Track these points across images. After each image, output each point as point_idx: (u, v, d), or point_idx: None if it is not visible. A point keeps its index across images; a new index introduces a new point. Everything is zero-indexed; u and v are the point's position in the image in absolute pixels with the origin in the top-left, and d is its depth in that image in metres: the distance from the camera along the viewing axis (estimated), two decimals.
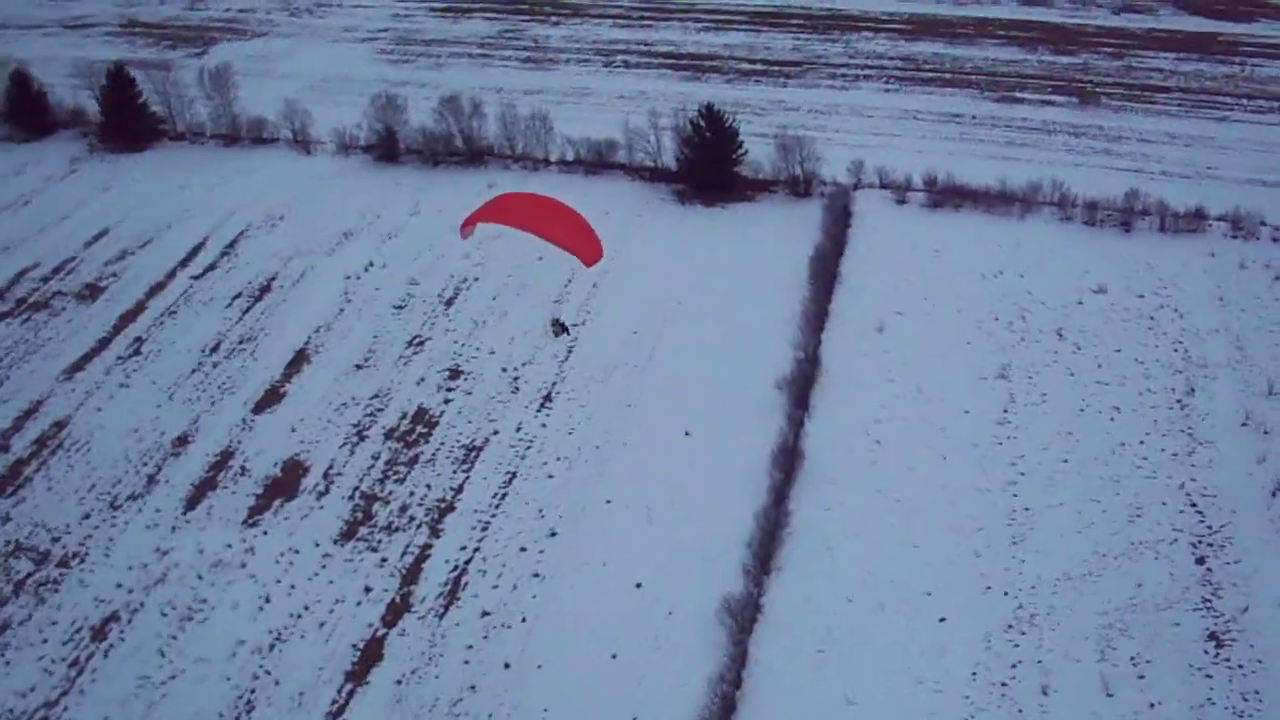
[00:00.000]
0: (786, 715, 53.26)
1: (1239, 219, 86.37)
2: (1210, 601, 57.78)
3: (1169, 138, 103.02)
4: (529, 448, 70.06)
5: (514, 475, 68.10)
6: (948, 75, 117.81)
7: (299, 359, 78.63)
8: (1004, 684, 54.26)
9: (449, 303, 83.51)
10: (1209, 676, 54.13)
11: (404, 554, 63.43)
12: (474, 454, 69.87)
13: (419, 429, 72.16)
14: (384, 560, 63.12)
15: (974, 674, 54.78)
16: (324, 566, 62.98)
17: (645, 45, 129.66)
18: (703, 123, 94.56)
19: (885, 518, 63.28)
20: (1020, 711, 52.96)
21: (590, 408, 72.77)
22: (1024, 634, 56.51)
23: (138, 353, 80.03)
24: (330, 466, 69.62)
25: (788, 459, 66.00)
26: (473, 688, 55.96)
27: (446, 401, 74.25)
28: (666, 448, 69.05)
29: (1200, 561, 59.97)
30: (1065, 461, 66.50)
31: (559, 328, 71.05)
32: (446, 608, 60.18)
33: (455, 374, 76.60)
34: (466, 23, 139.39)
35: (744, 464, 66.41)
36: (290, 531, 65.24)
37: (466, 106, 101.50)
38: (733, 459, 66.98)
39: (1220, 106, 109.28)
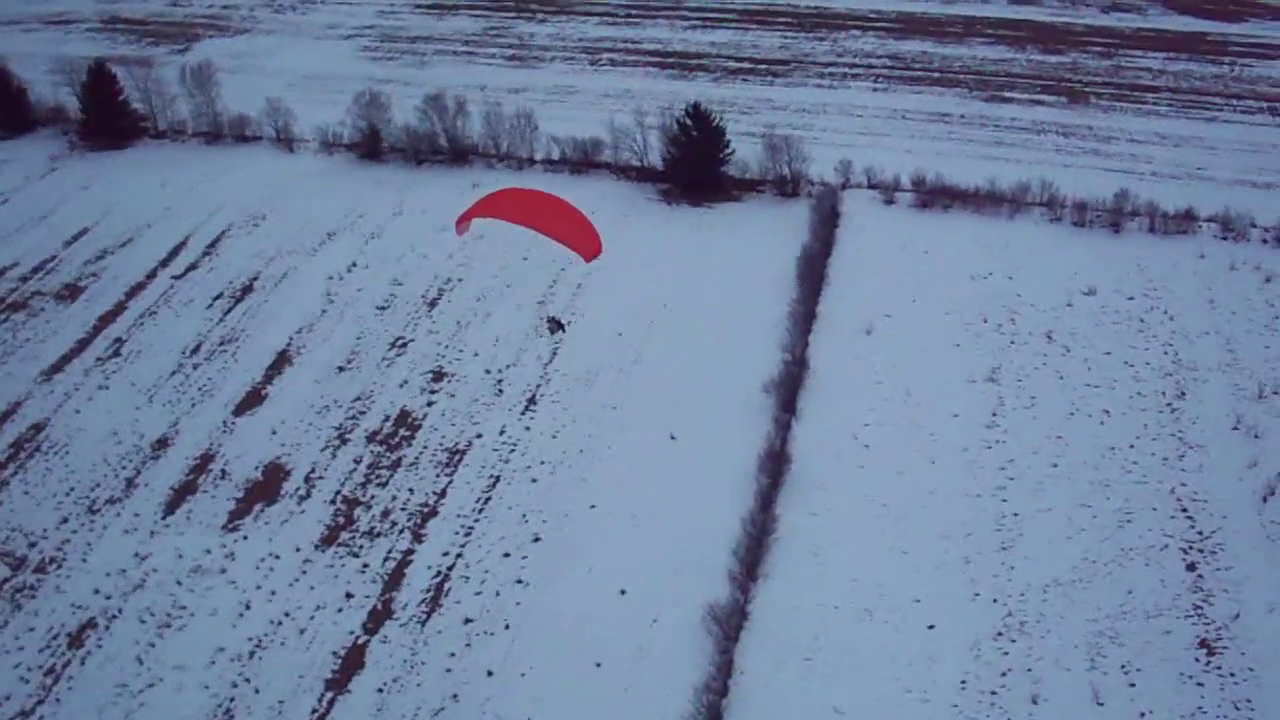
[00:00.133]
0: None
1: (1229, 220, 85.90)
2: (1201, 608, 57.23)
3: (1158, 138, 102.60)
4: (513, 451, 69.28)
5: (497, 479, 67.32)
6: (936, 74, 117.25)
7: (280, 360, 77.72)
8: (993, 693, 53.67)
9: (432, 304, 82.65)
10: (1200, 685, 53.60)
11: (386, 559, 62.63)
12: (457, 458, 69.06)
13: (401, 432, 71.33)
14: (366, 566, 62.30)
15: (963, 682, 54.16)
16: (305, 572, 62.16)
17: (631, 43, 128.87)
18: (689, 122, 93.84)
19: (873, 523, 62.63)
20: None
21: (574, 411, 72.01)
22: (1014, 642, 55.90)
23: (117, 354, 79.04)
24: (312, 470, 68.77)
25: (775, 463, 65.29)
26: (455, 696, 55.19)
27: (429, 404, 73.42)
28: (652, 452, 68.35)
29: (1191, 568, 59.42)
30: (1055, 466, 65.91)
31: (554, 324, 70.16)
32: (429, 614, 59.39)
33: (438, 376, 75.75)
34: (451, 20, 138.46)
35: (730, 468, 65.69)
36: (271, 536, 64.39)
37: (451, 105, 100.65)
38: (719, 463, 66.26)
39: (1209, 107, 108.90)
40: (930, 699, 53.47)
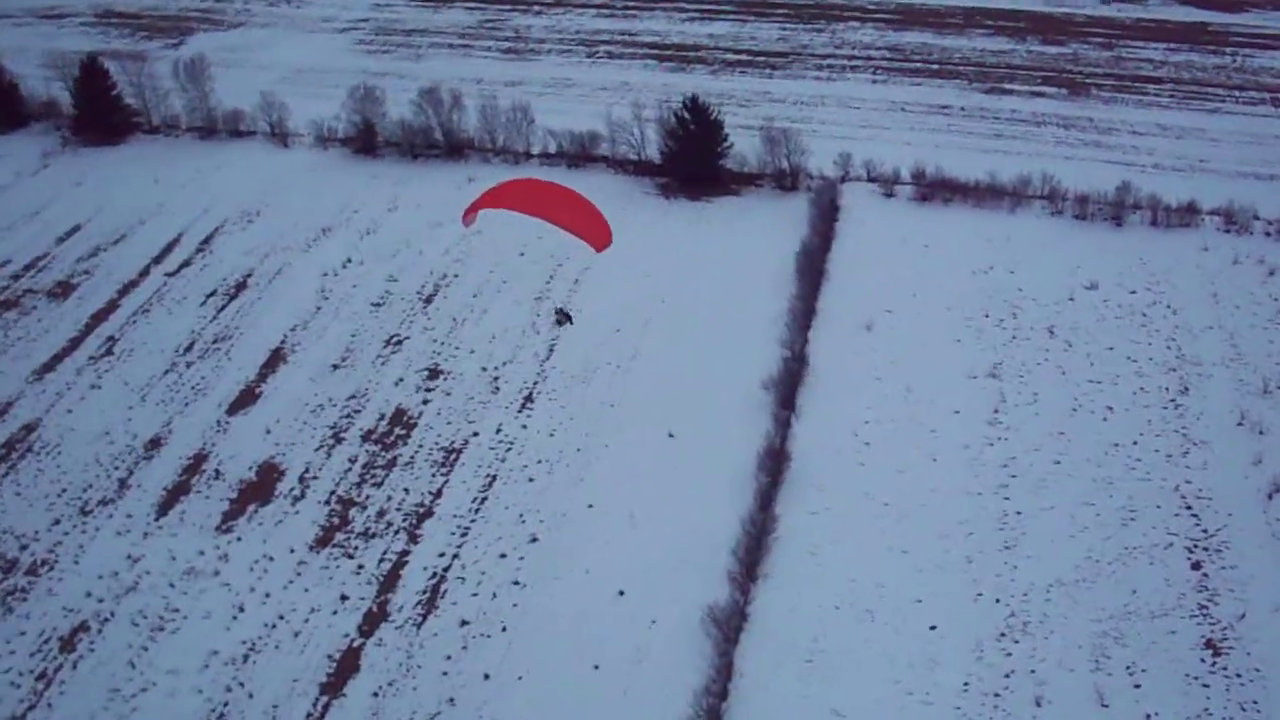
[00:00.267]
0: None
1: (1232, 213, 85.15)
2: (1206, 608, 56.58)
3: (1160, 129, 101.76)
4: (509, 450, 68.54)
5: (494, 479, 66.58)
6: (935, 66, 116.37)
7: (274, 359, 76.94)
8: (996, 695, 53.01)
9: (428, 300, 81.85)
10: (1206, 686, 53.00)
11: (381, 561, 61.91)
12: (453, 457, 68.32)
13: (397, 431, 70.58)
14: (360, 567, 61.57)
15: (965, 684, 53.49)
16: (299, 574, 61.45)
17: (629, 35, 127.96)
18: (687, 114, 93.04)
19: (874, 522, 61.94)
20: None
21: (572, 408, 71.29)
22: (1017, 643, 55.24)
23: (110, 353, 78.24)
24: (306, 470, 68.03)
25: (774, 462, 64.59)
26: (451, 700, 54.50)
27: (425, 402, 72.66)
28: (650, 450, 67.61)
29: (1196, 566, 58.74)
30: (1057, 463, 65.20)
31: (562, 316, 69.37)
32: (425, 617, 58.69)
33: (434, 374, 74.98)
34: (447, 12, 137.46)
35: (729, 467, 65.02)
36: (264, 538, 63.67)
37: (446, 98, 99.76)
38: (718, 462, 65.57)
39: (1212, 98, 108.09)
40: (932, 701, 52.81)
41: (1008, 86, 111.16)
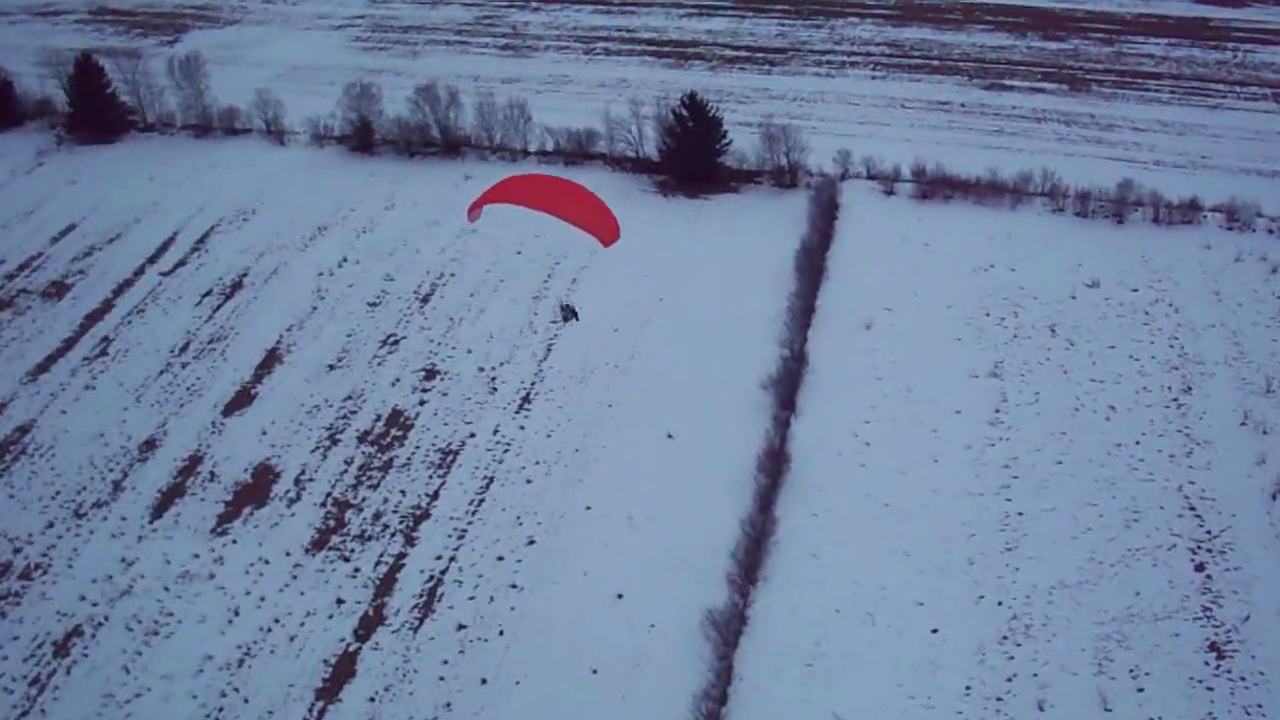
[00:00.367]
0: None
1: (1234, 210, 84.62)
2: (1210, 610, 56.07)
3: (1161, 126, 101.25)
4: (507, 451, 67.97)
5: (491, 480, 66.02)
6: (935, 62, 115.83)
7: (270, 359, 76.36)
8: (999, 699, 52.51)
9: (425, 300, 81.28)
10: (1210, 689, 52.49)
11: (377, 564, 61.34)
12: (450, 458, 67.76)
13: (393, 432, 70.01)
14: (357, 570, 61.01)
15: (968, 688, 52.97)
16: (295, 577, 60.88)
17: (626, 31, 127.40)
18: (685, 112, 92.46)
19: (875, 524, 61.39)
20: None
21: (569, 409, 70.72)
22: (1019, 646, 54.72)
23: (104, 353, 77.66)
24: (302, 472, 67.47)
25: (774, 463, 64.02)
26: (448, 705, 53.96)
27: (422, 403, 72.09)
28: (648, 451, 67.04)
29: (1200, 568, 58.22)
30: (1059, 463, 64.67)
31: (568, 312, 68.58)
32: (421, 620, 58.13)
33: (431, 374, 74.41)
34: (444, 9, 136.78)
35: (729, 468, 64.48)
36: (260, 540, 63.10)
37: (443, 96, 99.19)
38: (717, 463, 65.02)
39: (1213, 94, 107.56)
40: (934, 705, 52.31)
41: (1008, 82, 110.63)
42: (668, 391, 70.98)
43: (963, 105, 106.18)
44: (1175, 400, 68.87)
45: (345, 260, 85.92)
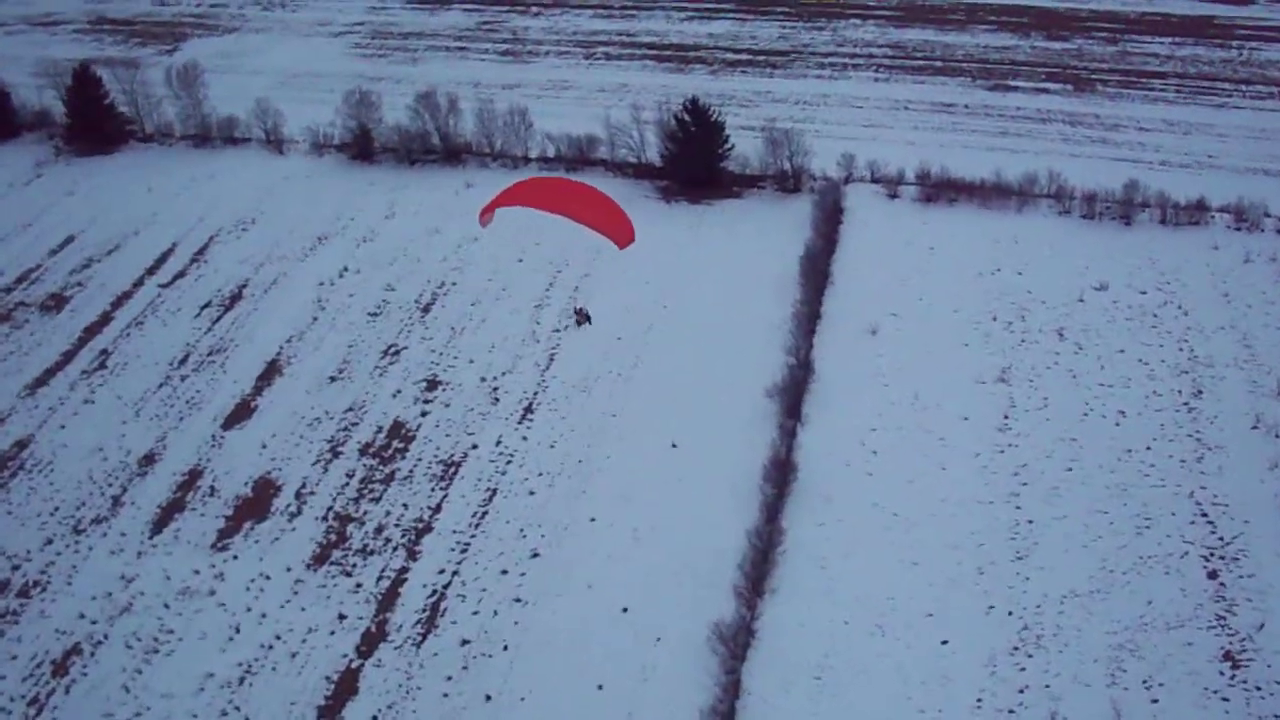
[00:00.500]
0: None
1: (1242, 210, 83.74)
2: (1224, 619, 55.21)
3: (1167, 125, 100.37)
4: (509, 463, 67.24)
5: (494, 492, 65.29)
6: (939, 63, 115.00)
7: (270, 371, 75.68)
8: (1010, 711, 51.74)
9: (426, 309, 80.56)
10: (1225, 700, 51.64)
11: (380, 578, 60.64)
12: (452, 470, 67.03)
13: (395, 444, 69.29)
14: (359, 585, 60.30)
15: (979, 701, 52.19)
16: (296, 593, 60.19)
17: (627, 36, 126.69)
18: (687, 116, 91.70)
19: (883, 534, 60.58)
20: None
21: (572, 419, 69.96)
22: (1030, 657, 53.89)
23: (103, 366, 77.03)
24: (303, 485, 66.78)
25: (780, 472, 63.22)
26: None
27: (424, 414, 71.36)
28: (653, 461, 66.25)
29: (1213, 575, 57.36)
30: (1069, 470, 63.85)
31: (581, 316, 67.89)
32: (424, 636, 57.41)
33: (433, 385, 73.69)
34: (444, 15, 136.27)
35: (734, 478, 63.67)
36: (261, 556, 62.42)
37: (443, 103, 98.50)
38: (722, 472, 64.25)
39: (1218, 92, 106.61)
40: (945, 718, 51.49)
41: (1012, 83, 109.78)
42: (672, 400, 70.24)
43: (966, 107, 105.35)
44: (1186, 404, 68.04)
45: (345, 270, 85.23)
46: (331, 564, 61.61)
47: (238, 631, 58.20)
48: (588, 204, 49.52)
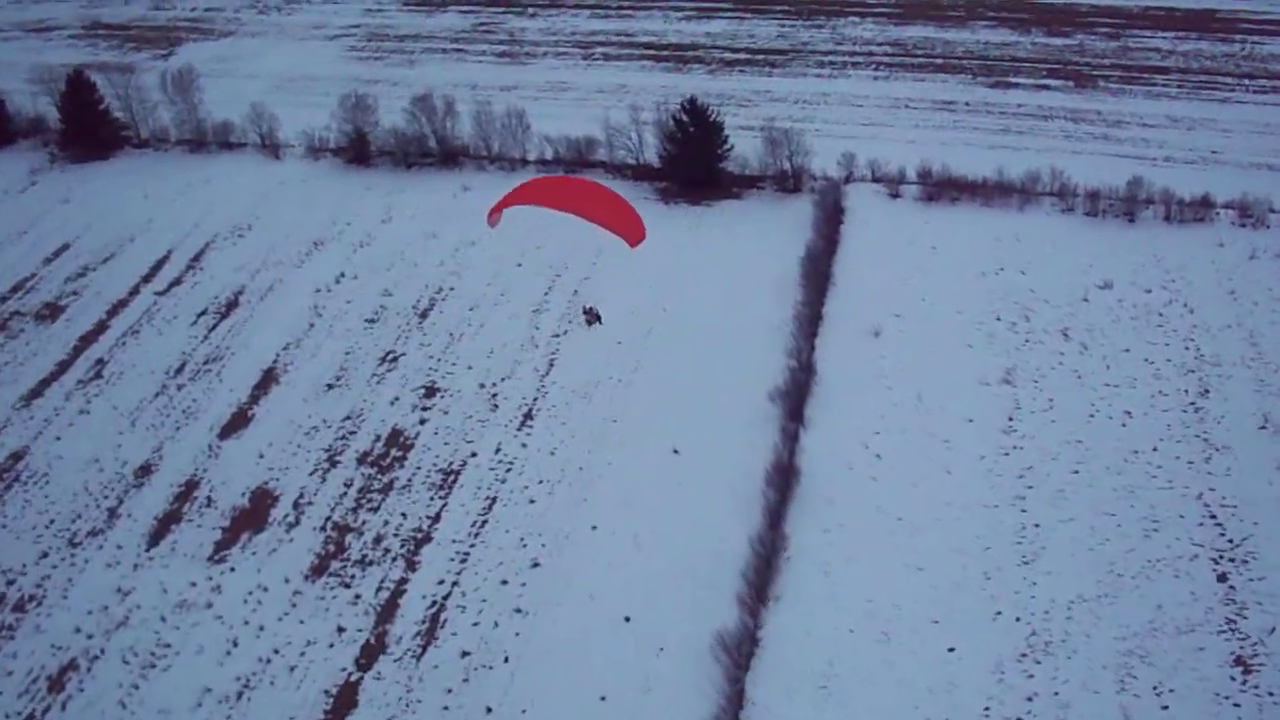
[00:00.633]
0: None
1: (1247, 206, 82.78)
2: (1235, 623, 54.45)
3: (1170, 121, 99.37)
4: (509, 470, 66.49)
5: (494, 501, 64.55)
6: (939, 60, 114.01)
7: (267, 379, 74.95)
8: (1019, 719, 50.90)
9: (424, 315, 79.80)
10: (1236, 705, 50.95)
11: (379, 589, 59.95)
12: (451, 478, 66.29)
13: (393, 452, 68.57)
14: (357, 597, 59.60)
15: (986, 709, 51.49)
16: (294, 605, 59.53)
17: (625, 36, 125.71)
18: (686, 117, 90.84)
19: (887, 539, 59.78)
20: None
21: (573, 425, 69.19)
22: (1038, 664, 53.17)
23: (99, 376, 76.35)
24: (300, 495, 66.10)
25: (783, 477, 62.43)
26: None
27: (422, 422, 70.61)
28: (654, 467, 65.47)
29: (1222, 579, 56.59)
30: (1076, 473, 63.04)
31: (592, 316, 67.06)
32: (424, 648, 56.73)
33: (431, 392, 72.93)
34: (440, 16, 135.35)
35: (737, 483, 62.86)
36: (258, 567, 61.76)
37: (439, 106, 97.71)
38: (725, 478, 63.49)
39: (1222, 87, 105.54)
40: None
41: (1013, 80, 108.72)
42: (673, 405, 69.47)
43: (967, 104, 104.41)
44: (1193, 404, 67.23)
45: (342, 275, 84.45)
46: (330, 575, 60.93)
47: (235, 645, 57.57)
48: (599, 202, 48.94)
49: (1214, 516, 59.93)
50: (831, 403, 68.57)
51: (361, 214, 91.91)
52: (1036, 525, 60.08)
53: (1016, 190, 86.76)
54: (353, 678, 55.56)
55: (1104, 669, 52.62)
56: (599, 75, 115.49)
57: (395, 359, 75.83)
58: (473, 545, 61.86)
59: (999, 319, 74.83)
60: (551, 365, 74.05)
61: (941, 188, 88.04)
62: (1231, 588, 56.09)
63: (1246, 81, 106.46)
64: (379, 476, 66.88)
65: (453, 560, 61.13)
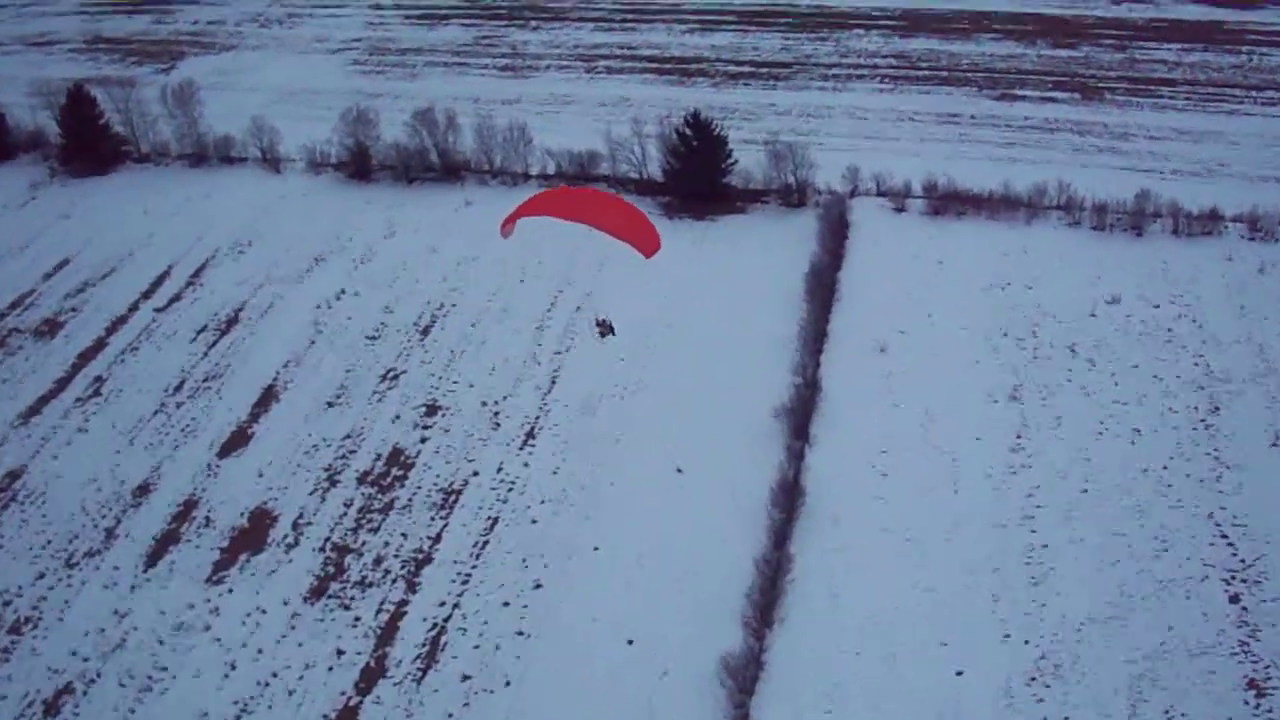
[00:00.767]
0: None
1: (1256, 219, 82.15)
2: (1247, 645, 53.54)
3: (1177, 133, 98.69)
4: (511, 490, 65.73)
5: (495, 521, 63.77)
6: (944, 73, 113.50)
7: (267, 396, 74.24)
8: None
9: (425, 331, 79.09)
10: None
11: (378, 612, 59.16)
12: (452, 498, 65.53)
13: (394, 472, 67.81)
14: (357, 619, 58.83)
15: None
16: (293, 627, 58.76)
17: (628, 49, 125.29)
18: (689, 131, 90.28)
19: (894, 560, 58.94)
20: None
21: (575, 444, 68.44)
22: (1048, 687, 52.29)
23: (97, 393, 75.70)
24: (300, 515, 65.35)
25: (788, 496, 61.67)
26: None
27: (423, 441, 69.87)
28: (657, 487, 64.73)
29: (1234, 599, 55.70)
30: (1085, 491, 62.20)
31: (605, 328, 66.17)
32: (424, 671, 55.93)
33: (432, 410, 72.18)
34: (442, 29, 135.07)
35: (741, 503, 62.14)
36: (257, 589, 60.99)
37: (441, 119, 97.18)
38: (729, 497, 62.75)
39: (1229, 99, 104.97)
40: None
41: (1019, 92, 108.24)
42: (676, 423, 68.75)
43: (973, 117, 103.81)
44: (1203, 421, 66.38)
45: (343, 291, 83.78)
46: (329, 597, 60.17)
47: (233, 668, 56.82)
48: (613, 212, 48.21)
49: (1225, 536, 59.08)
50: (837, 420, 67.83)
51: (363, 229, 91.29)
52: (1045, 545, 59.24)
53: (1023, 204, 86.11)
54: (352, 702, 54.78)
55: (1115, 693, 51.74)
56: (602, 88, 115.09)
57: (396, 376, 75.13)
58: (474, 566, 61.09)
59: (1006, 334, 74.10)
60: (554, 382, 73.32)
61: (947, 201, 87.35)
62: (1244, 609, 55.21)
63: (1254, 93, 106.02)
64: (379, 496, 66.14)
65: (454, 581, 60.34)
